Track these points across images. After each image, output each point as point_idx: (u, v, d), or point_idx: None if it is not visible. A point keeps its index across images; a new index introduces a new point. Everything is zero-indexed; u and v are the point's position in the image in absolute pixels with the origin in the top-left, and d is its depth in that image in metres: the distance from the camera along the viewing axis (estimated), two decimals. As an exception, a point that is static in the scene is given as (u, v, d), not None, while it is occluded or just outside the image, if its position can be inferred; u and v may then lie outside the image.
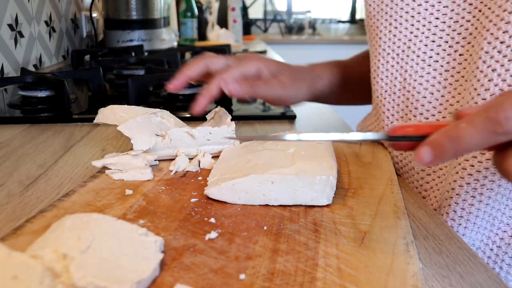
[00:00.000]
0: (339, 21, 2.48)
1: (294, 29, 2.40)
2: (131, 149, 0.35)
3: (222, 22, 1.70)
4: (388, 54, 0.39)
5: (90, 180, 0.33)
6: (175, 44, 1.12)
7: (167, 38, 1.06)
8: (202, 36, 1.48)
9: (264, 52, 1.24)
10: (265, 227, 0.26)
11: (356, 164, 0.37)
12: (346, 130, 0.50)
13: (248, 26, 2.10)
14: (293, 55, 1.99)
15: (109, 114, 0.38)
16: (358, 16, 2.50)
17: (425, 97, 0.37)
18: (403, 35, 0.38)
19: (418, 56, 0.37)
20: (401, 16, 0.38)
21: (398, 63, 0.39)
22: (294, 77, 0.41)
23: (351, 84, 0.49)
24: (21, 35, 0.79)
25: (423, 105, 0.37)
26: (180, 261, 0.23)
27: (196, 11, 1.33)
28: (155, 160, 0.36)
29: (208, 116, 0.41)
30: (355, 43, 2.31)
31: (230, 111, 0.53)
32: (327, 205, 0.29)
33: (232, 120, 0.40)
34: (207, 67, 0.39)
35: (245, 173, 0.29)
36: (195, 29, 1.32)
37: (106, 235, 0.22)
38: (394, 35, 0.38)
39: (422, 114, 0.38)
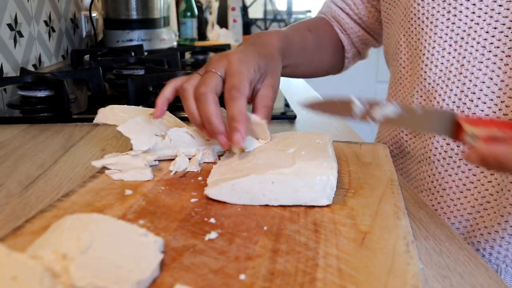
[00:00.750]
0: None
1: (294, 29, 2.40)
2: (131, 149, 0.35)
3: (222, 21, 1.70)
4: (446, 41, 0.39)
5: (90, 180, 0.32)
6: (175, 44, 1.12)
7: (167, 38, 1.06)
8: (202, 36, 1.48)
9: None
10: (265, 228, 0.26)
11: (357, 164, 0.37)
12: (347, 130, 0.50)
13: (248, 25, 2.10)
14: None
15: (108, 114, 0.38)
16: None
17: (483, 82, 0.38)
18: (463, 23, 0.38)
19: (479, 42, 0.38)
20: (461, 4, 0.38)
21: (456, 50, 0.39)
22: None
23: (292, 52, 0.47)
24: (21, 35, 0.78)
25: (481, 90, 0.38)
26: (180, 262, 0.22)
27: (196, 10, 1.33)
28: (155, 160, 0.36)
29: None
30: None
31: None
32: (327, 205, 0.29)
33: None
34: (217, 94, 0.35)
35: (245, 173, 0.29)
36: (195, 29, 1.32)
37: (106, 235, 0.22)
38: (453, 23, 0.39)
39: (479, 98, 0.38)
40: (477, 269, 0.25)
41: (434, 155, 0.42)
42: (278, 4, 2.48)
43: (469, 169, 0.40)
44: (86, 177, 0.34)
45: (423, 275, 0.22)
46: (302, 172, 0.29)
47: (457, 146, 0.41)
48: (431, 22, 0.40)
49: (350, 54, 0.56)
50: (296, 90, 0.75)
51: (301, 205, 0.29)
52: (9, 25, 0.75)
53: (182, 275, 0.21)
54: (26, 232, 0.25)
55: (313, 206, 0.29)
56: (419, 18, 0.41)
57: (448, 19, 0.39)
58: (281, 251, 0.24)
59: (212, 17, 1.70)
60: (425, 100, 0.42)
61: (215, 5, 1.77)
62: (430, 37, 0.40)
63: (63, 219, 0.23)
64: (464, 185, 0.41)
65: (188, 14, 1.30)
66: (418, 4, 0.41)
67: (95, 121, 0.39)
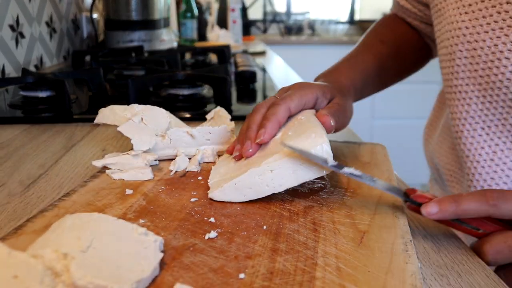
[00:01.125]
0: (338, 22, 2.49)
1: (293, 30, 2.41)
2: (131, 149, 0.35)
3: (222, 22, 1.70)
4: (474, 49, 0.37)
5: (91, 180, 0.33)
6: (175, 44, 1.12)
7: (167, 38, 1.06)
8: (202, 36, 1.48)
9: (263, 52, 1.24)
10: (264, 227, 0.26)
11: (355, 164, 0.37)
12: (345, 130, 0.50)
13: (247, 26, 2.10)
14: (293, 56, 1.99)
15: (109, 114, 0.38)
16: (356, 17, 2.51)
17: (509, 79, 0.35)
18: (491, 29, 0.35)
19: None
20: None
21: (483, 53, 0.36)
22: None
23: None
24: (22, 36, 0.79)
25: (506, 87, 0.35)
26: (180, 261, 0.23)
27: (196, 11, 1.33)
28: (155, 160, 0.36)
29: (208, 116, 0.42)
30: (353, 44, 2.32)
31: (230, 111, 0.53)
32: (327, 205, 0.29)
33: (231, 120, 0.40)
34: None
35: (244, 170, 0.29)
36: (195, 29, 1.32)
37: (106, 234, 0.22)
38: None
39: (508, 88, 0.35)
40: (474, 268, 0.25)
41: (448, 180, 0.41)
42: (277, 5, 2.49)
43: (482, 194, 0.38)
44: (87, 177, 0.35)
45: (421, 274, 0.22)
46: (284, 157, 0.29)
47: (467, 175, 0.39)
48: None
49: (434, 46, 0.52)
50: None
51: (301, 204, 0.29)
52: (11, 26, 0.75)
53: (182, 274, 0.22)
54: (27, 231, 0.25)
55: (312, 206, 0.29)
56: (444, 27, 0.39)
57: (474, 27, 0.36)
58: (280, 250, 0.24)
59: (212, 18, 1.71)
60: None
61: (215, 6, 1.78)
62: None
63: (64, 219, 0.23)
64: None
65: (188, 15, 1.30)
66: (461, 14, 0.38)
67: (95, 121, 0.39)
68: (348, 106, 0.39)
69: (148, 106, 0.38)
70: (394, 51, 0.49)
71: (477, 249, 0.27)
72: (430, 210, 0.26)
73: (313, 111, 0.35)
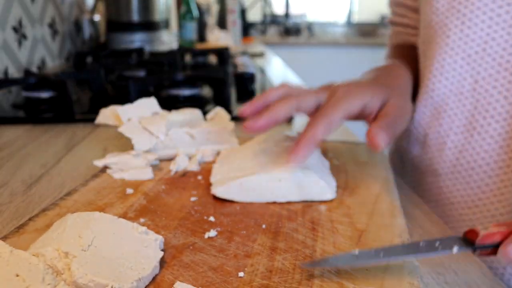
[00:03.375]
0: (336, 24, 2.50)
1: (292, 31, 2.42)
2: (132, 149, 0.35)
3: (222, 24, 1.71)
4: (458, 54, 0.37)
5: (92, 179, 0.33)
6: (175, 46, 1.13)
7: (168, 40, 1.06)
8: (202, 38, 1.48)
9: (262, 54, 1.24)
10: (263, 226, 0.27)
11: (353, 164, 0.37)
12: (343, 130, 0.51)
13: (247, 28, 2.11)
14: (291, 57, 1.99)
15: (110, 114, 0.39)
16: (354, 19, 2.52)
17: (498, 101, 0.36)
18: (477, 36, 0.36)
19: (494, 59, 0.36)
20: (477, 16, 0.36)
21: (469, 64, 0.37)
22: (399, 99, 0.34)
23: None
24: (25, 37, 0.79)
25: (495, 108, 0.36)
26: (179, 259, 0.23)
27: (196, 13, 1.34)
28: (156, 160, 0.36)
29: (208, 116, 0.42)
30: (351, 45, 2.32)
31: (229, 112, 0.53)
32: (325, 204, 0.29)
33: (231, 120, 0.41)
34: (297, 109, 0.31)
35: (251, 171, 0.30)
36: (195, 31, 1.33)
37: (107, 233, 0.22)
38: (467, 35, 0.37)
39: (493, 117, 0.36)
40: (471, 267, 0.25)
41: (442, 168, 0.41)
42: (276, 7, 2.49)
43: (478, 186, 0.38)
44: (88, 176, 0.35)
45: (419, 272, 0.22)
46: (307, 169, 0.30)
47: (467, 162, 0.39)
48: (443, 32, 0.38)
49: None
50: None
51: (299, 203, 0.29)
52: (14, 28, 0.76)
53: (182, 272, 0.22)
54: (29, 230, 0.25)
55: (311, 205, 0.29)
56: (432, 27, 0.39)
57: (462, 30, 0.37)
58: (279, 249, 0.24)
59: (211, 20, 1.71)
60: (432, 112, 0.40)
61: (215, 8, 1.78)
62: (441, 47, 0.38)
63: (65, 218, 0.23)
64: (473, 201, 0.39)
65: (188, 16, 1.31)
66: (433, 13, 0.39)
67: (96, 121, 0.39)
68: (408, 105, 0.35)
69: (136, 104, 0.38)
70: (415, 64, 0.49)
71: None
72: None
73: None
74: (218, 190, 0.30)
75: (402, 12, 0.51)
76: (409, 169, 0.46)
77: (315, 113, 0.31)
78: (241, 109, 0.32)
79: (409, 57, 0.47)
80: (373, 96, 0.32)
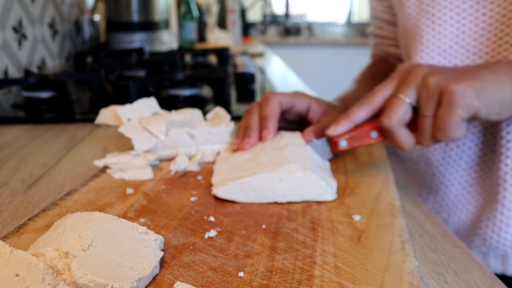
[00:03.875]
0: (336, 24, 2.50)
1: (292, 31, 2.42)
2: (132, 149, 0.35)
3: (222, 24, 1.71)
4: (433, 50, 0.40)
5: (92, 179, 0.33)
6: (175, 46, 1.13)
7: (168, 40, 1.06)
8: (202, 38, 1.48)
9: (262, 54, 1.24)
10: (263, 226, 0.27)
11: (353, 164, 0.37)
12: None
13: (247, 28, 2.11)
14: (291, 57, 2.00)
15: (110, 114, 0.39)
16: (354, 19, 2.52)
17: None
18: (449, 32, 0.39)
19: (468, 50, 0.38)
20: (445, 14, 0.39)
21: (445, 57, 0.40)
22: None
23: None
24: (25, 37, 0.79)
25: None
26: (180, 259, 0.23)
27: (196, 13, 1.34)
28: (156, 160, 0.36)
29: (208, 116, 0.42)
30: (351, 45, 2.32)
31: (229, 112, 0.53)
32: (325, 204, 0.29)
33: (231, 120, 0.41)
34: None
35: (252, 172, 0.30)
36: (195, 31, 1.33)
37: (107, 233, 0.22)
38: (439, 32, 0.39)
39: None
40: (471, 266, 0.25)
41: (433, 156, 0.43)
42: (276, 7, 2.49)
43: (470, 167, 0.41)
44: (88, 176, 0.35)
45: (418, 272, 0.22)
46: (309, 169, 0.30)
47: (456, 146, 0.41)
48: (417, 33, 0.41)
49: None
50: (293, 88, 0.75)
51: (304, 202, 0.29)
52: (14, 28, 0.76)
53: (182, 272, 0.22)
54: (29, 230, 0.25)
55: (311, 205, 0.29)
56: (408, 31, 0.43)
57: (434, 28, 0.40)
58: (279, 249, 0.24)
59: (211, 20, 1.71)
60: None
61: (215, 8, 1.78)
62: (417, 47, 0.41)
63: (65, 217, 0.23)
64: (467, 181, 0.41)
65: (188, 16, 1.31)
66: (406, 18, 0.43)
67: (96, 121, 0.39)
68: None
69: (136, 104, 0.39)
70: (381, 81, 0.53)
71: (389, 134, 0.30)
72: (331, 129, 0.32)
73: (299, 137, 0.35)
74: (219, 191, 0.30)
75: (380, 25, 0.55)
76: (403, 161, 0.48)
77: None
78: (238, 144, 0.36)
79: (377, 75, 0.52)
80: (317, 101, 0.39)
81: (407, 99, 0.30)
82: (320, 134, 0.35)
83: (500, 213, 0.39)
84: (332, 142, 0.34)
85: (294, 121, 0.40)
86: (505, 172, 0.38)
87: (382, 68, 0.55)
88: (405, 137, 0.31)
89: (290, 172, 0.29)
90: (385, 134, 0.32)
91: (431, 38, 0.40)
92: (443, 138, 0.29)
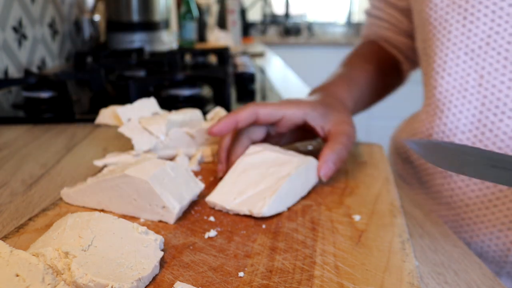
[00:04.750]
0: (336, 24, 2.51)
1: (292, 31, 2.42)
2: (132, 149, 0.35)
3: (222, 24, 1.71)
4: (460, 49, 0.37)
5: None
6: (175, 46, 1.13)
7: (168, 40, 1.06)
8: (202, 38, 1.48)
9: (262, 54, 1.24)
10: (263, 226, 0.27)
11: (353, 164, 0.37)
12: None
13: (247, 28, 2.11)
14: (291, 57, 1.99)
15: (110, 114, 0.39)
16: (354, 19, 2.52)
17: (508, 96, 0.35)
18: (480, 31, 0.35)
19: (499, 53, 0.35)
20: (479, 11, 0.35)
21: (472, 59, 0.36)
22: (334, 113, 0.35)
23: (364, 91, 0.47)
24: (25, 37, 0.79)
25: (505, 104, 0.35)
26: (180, 259, 0.23)
27: (196, 13, 1.34)
28: (156, 160, 0.36)
29: (208, 116, 0.42)
30: (351, 45, 2.32)
31: (229, 111, 0.53)
32: (325, 204, 0.29)
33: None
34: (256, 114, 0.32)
35: (274, 181, 0.29)
36: (195, 31, 1.33)
37: (107, 233, 0.22)
38: (470, 30, 0.36)
39: (504, 113, 0.35)
40: (471, 266, 0.25)
41: None
42: (276, 7, 2.49)
43: (494, 185, 0.36)
44: (88, 176, 0.35)
45: (418, 272, 0.22)
46: (301, 163, 0.31)
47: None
48: (444, 28, 0.37)
49: (408, 67, 0.54)
50: (293, 88, 0.75)
51: (299, 203, 0.29)
52: (14, 28, 0.76)
53: (182, 272, 0.22)
54: (29, 230, 0.25)
55: (311, 205, 0.29)
56: (431, 23, 0.38)
57: (464, 25, 0.36)
58: (279, 249, 0.24)
59: (211, 20, 1.71)
60: (435, 111, 0.39)
61: (215, 8, 1.78)
62: (442, 43, 0.37)
63: (65, 217, 0.23)
64: (490, 200, 0.37)
65: (188, 16, 1.31)
66: (431, 9, 0.38)
67: (96, 121, 0.39)
68: (351, 120, 0.36)
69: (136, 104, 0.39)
70: (378, 68, 0.49)
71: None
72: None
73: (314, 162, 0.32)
74: (265, 210, 0.27)
75: (380, 6, 0.52)
76: (415, 170, 0.45)
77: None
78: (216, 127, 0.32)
79: (369, 59, 0.48)
80: (314, 107, 0.33)
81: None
82: (340, 163, 0.32)
83: None
84: None
85: (292, 131, 0.35)
86: None
87: (374, 49, 0.51)
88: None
89: (295, 169, 0.30)
90: None
91: (459, 35, 0.36)
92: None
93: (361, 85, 0.45)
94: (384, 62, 0.51)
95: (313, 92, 0.41)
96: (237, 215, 0.28)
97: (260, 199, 0.28)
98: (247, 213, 0.27)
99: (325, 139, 0.34)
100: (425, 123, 0.41)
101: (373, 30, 0.53)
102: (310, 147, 0.40)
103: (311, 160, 0.31)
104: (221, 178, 0.32)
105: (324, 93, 0.39)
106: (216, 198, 0.29)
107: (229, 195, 0.29)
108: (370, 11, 0.54)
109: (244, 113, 0.31)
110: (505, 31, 0.35)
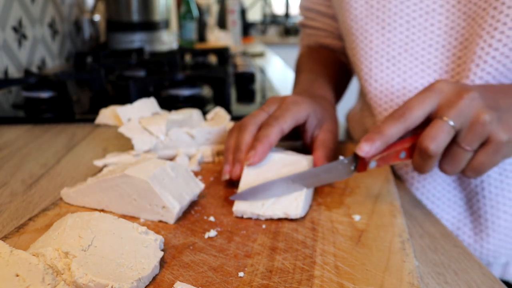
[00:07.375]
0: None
1: (292, 31, 2.42)
2: (132, 149, 0.35)
3: (222, 24, 1.71)
4: (382, 56, 0.40)
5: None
6: (175, 46, 1.13)
7: (168, 40, 1.07)
8: (202, 38, 1.48)
9: (262, 54, 1.24)
10: (263, 226, 0.27)
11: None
12: (342, 130, 0.51)
13: (247, 28, 2.11)
14: (292, 57, 1.99)
15: (110, 114, 0.39)
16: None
17: None
18: (398, 39, 0.39)
19: (417, 58, 0.38)
20: (395, 21, 0.39)
21: (394, 64, 0.39)
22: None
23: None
24: (25, 37, 0.79)
25: None
26: (180, 259, 0.23)
27: (196, 13, 1.34)
28: (156, 160, 0.36)
29: (208, 116, 0.42)
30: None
31: (229, 112, 0.53)
32: (325, 204, 0.29)
33: (231, 120, 0.41)
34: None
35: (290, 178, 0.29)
36: (195, 31, 1.33)
37: (107, 233, 0.22)
38: (389, 39, 0.39)
39: None
40: (471, 266, 0.25)
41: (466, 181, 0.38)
42: (276, 7, 2.49)
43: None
44: (88, 176, 0.35)
45: (418, 272, 0.22)
46: (310, 162, 0.32)
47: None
48: (365, 38, 0.40)
49: (351, 66, 0.55)
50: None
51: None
52: (14, 28, 0.76)
53: (182, 272, 0.22)
54: (29, 230, 0.25)
55: (311, 205, 0.29)
56: (353, 34, 0.41)
57: (383, 34, 0.39)
58: (279, 249, 0.24)
59: (211, 20, 1.71)
60: (367, 113, 0.43)
61: (215, 8, 1.79)
62: (366, 52, 0.40)
63: (65, 217, 0.23)
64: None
65: (188, 16, 1.31)
66: (351, 20, 0.41)
67: (96, 121, 0.39)
68: (336, 120, 0.39)
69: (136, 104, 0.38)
70: (338, 69, 0.52)
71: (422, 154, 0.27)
72: (363, 148, 0.27)
73: (308, 159, 0.32)
74: (301, 212, 0.27)
75: (313, 16, 0.54)
76: (431, 180, 0.44)
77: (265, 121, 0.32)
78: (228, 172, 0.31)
79: (323, 58, 0.51)
80: (315, 110, 0.35)
81: (454, 124, 0.27)
82: (330, 158, 0.33)
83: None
84: (361, 163, 0.29)
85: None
86: None
87: (324, 54, 0.53)
88: (247, 135, 0.31)
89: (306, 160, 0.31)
90: (419, 156, 0.28)
91: (380, 43, 0.39)
92: (472, 176, 0.29)
93: (331, 84, 0.47)
94: (337, 63, 0.54)
95: (301, 93, 0.41)
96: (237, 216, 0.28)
97: (290, 201, 0.28)
98: (283, 216, 0.27)
99: (309, 143, 0.36)
100: (362, 116, 0.46)
101: (312, 39, 0.56)
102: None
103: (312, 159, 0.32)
104: (227, 181, 0.32)
105: (314, 95, 0.40)
106: (243, 206, 0.28)
107: (255, 200, 0.28)
108: (305, 23, 0.56)
109: (274, 136, 0.31)
110: (419, 38, 0.38)
